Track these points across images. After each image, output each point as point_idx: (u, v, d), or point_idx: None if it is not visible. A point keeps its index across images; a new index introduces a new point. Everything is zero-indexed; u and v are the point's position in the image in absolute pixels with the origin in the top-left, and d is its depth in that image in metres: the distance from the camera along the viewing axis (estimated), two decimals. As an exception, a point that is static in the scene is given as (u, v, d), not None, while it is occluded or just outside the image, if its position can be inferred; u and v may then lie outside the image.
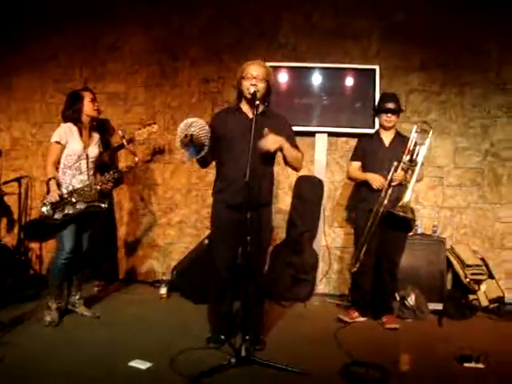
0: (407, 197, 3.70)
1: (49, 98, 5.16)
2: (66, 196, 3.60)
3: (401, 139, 3.91)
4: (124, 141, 4.29)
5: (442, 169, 4.73)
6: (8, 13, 5.10)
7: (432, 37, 4.71)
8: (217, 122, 3.24)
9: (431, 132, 3.84)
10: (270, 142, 3.06)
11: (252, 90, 3.07)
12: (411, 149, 3.76)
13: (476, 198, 4.77)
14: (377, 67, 4.66)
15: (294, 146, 3.30)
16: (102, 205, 3.73)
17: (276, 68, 4.54)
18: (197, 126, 2.94)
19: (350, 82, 4.73)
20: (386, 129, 3.91)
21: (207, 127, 3.00)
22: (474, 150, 4.75)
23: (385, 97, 3.97)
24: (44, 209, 3.57)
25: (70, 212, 3.60)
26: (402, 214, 3.67)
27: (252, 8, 4.88)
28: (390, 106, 3.84)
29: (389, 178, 3.74)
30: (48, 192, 3.61)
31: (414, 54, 4.75)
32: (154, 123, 4.35)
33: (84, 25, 5.04)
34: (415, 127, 3.83)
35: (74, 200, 3.61)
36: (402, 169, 3.74)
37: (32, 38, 5.13)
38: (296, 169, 3.38)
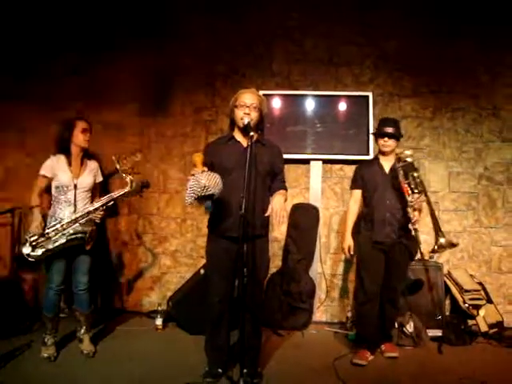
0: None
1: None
2: (48, 231, 3.46)
3: None
4: (118, 166, 3.80)
5: (436, 194, 4.72)
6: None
7: (423, 63, 4.76)
8: (211, 153, 3.18)
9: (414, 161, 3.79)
10: (280, 214, 3.04)
11: (246, 120, 3.06)
12: (406, 186, 3.66)
13: (472, 222, 4.78)
14: (370, 94, 4.71)
15: (283, 179, 3.34)
16: (81, 235, 3.55)
17: (270, 96, 4.59)
18: (212, 181, 2.82)
19: (343, 108, 4.74)
20: (385, 154, 3.84)
21: (218, 178, 2.88)
22: (468, 174, 4.78)
23: (383, 121, 3.90)
24: (24, 250, 3.43)
25: (50, 247, 3.46)
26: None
27: (245, 37, 4.92)
28: (388, 130, 3.77)
29: (413, 220, 3.65)
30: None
31: (406, 80, 4.81)
32: (140, 151, 4.26)
33: (79, 55, 5.02)
34: (399, 166, 3.72)
35: (54, 235, 3.47)
36: (414, 209, 3.64)
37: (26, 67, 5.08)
38: None
